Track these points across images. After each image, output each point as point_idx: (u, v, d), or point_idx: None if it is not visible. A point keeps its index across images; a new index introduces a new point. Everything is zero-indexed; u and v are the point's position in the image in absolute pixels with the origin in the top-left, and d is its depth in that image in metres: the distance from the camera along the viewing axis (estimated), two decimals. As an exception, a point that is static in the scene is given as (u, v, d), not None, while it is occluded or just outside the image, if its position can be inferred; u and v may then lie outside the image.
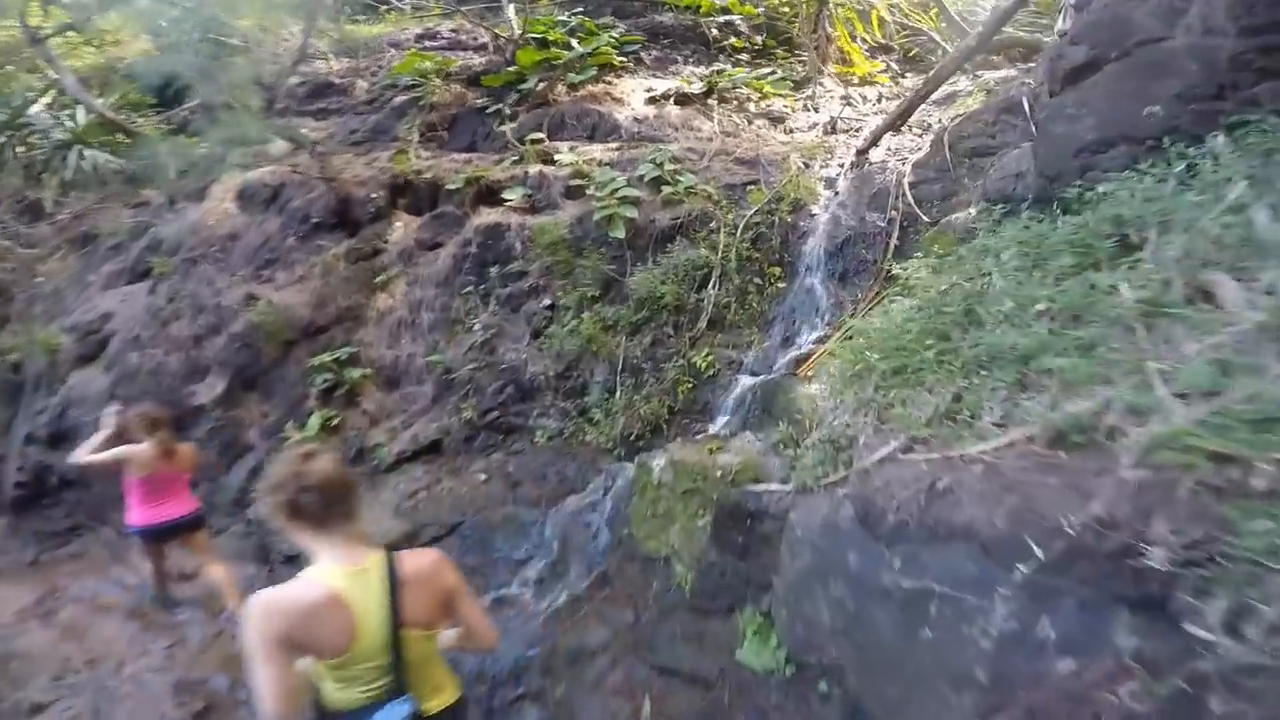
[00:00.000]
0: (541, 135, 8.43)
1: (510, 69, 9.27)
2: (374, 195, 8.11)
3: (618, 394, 6.13)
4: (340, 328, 7.34)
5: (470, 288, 7.20)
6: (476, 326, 6.98)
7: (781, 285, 6.41)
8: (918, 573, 2.56)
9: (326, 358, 7.00)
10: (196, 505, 5.24)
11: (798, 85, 9.04)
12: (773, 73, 9.18)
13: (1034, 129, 5.15)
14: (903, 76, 9.69)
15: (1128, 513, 2.02)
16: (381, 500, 6.52)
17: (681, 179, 7.21)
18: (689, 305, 6.44)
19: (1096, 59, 3.98)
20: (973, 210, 5.22)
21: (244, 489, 7.02)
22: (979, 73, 8.60)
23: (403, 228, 8.08)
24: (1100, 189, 3.46)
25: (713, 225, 6.85)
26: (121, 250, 9.60)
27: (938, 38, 9.97)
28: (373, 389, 7.08)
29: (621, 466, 5.43)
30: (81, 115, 11.05)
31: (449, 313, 7.20)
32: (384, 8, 13.29)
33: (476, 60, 10.22)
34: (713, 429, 5.39)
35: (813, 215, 6.87)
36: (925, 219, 6.06)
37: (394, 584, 1.90)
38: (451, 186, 7.96)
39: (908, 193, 6.39)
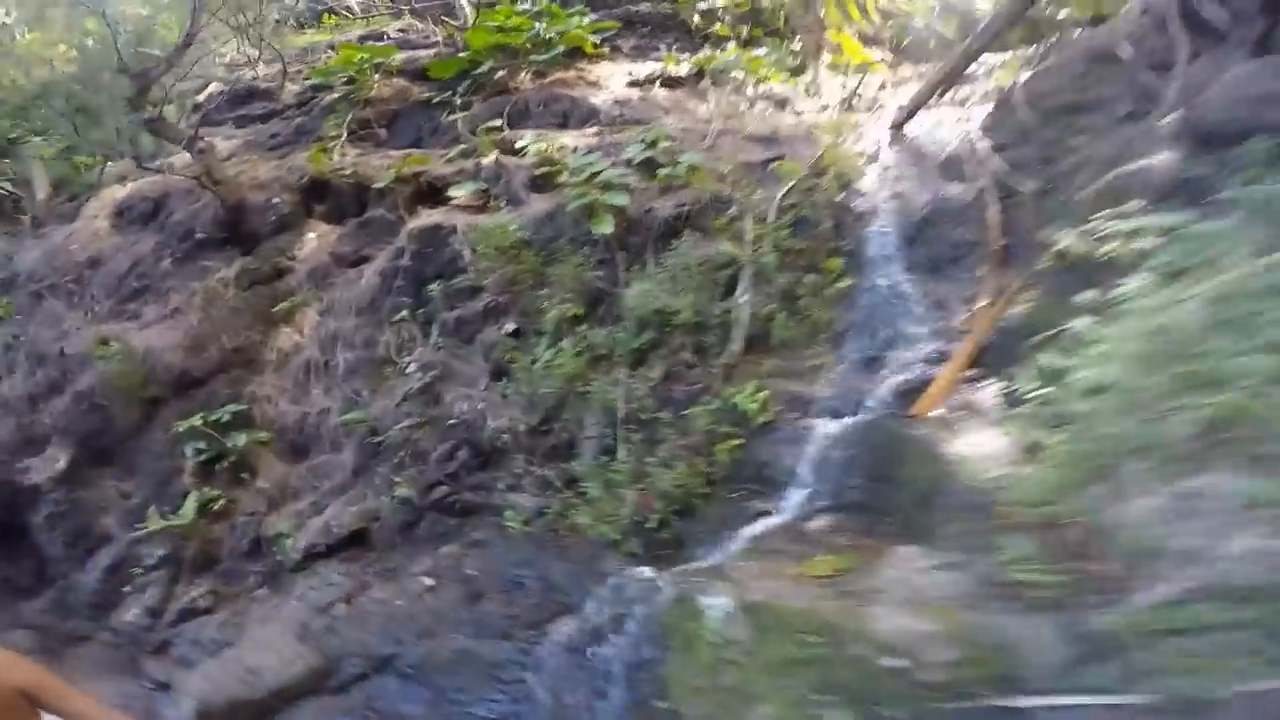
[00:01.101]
0: (500, 123, 6.60)
1: (461, 55, 7.65)
2: (277, 200, 6.18)
3: (621, 455, 4.18)
4: (224, 377, 5.38)
5: (404, 313, 5.31)
6: (413, 367, 5.03)
7: (845, 283, 4.58)
8: None
9: (201, 420, 4.99)
10: None
11: (794, 71, 8.06)
12: (768, 54, 8.08)
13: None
14: (899, 64, 8.86)
15: None
16: (283, 616, 4.51)
17: (682, 159, 5.45)
18: (713, 320, 4.57)
19: None
20: (1167, 155, 3.39)
21: (102, 589, 5.10)
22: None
23: (316, 240, 6.18)
24: None
25: (732, 211, 5.07)
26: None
27: (933, 25, 9.04)
28: (271, 459, 5.09)
29: (640, 577, 3.40)
30: None
31: (375, 350, 5.26)
32: (326, 13, 11.74)
33: (424, 55, 8.68)
34: (783, 510, 3.44)
35: (863, 193, 5.28)
36: (1026, 187, 4.59)
37: None
38: (381, 185, 6.07)
39: (993, 159, 4.94)
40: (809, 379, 4.04)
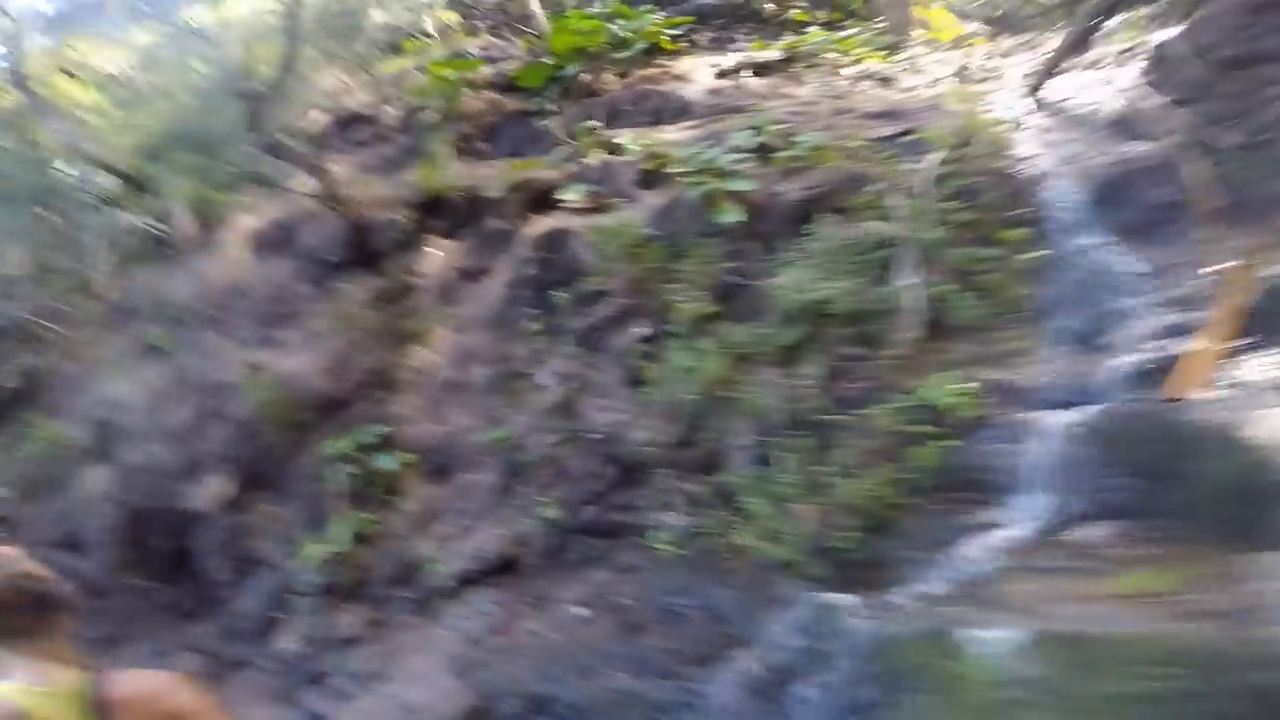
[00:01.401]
0: (595, 125, 6.43)
1: (545, 61, 7.58)
2: (396, 217, 6.14)
3: (783, 465, 3.71)
4: (366, 399, 5.33)
5: (532, 324, 5.06)
6: (547, 379, 4.77)
7: (1032, 255, 3.90)
8: None
9: (347, 443, 4.96)
10: None
11: (888, 49, 7.68)
12: (859, 34, 7.77)
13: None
14: (997, 35, 8.50)
15: None
16: (435, 647, 4.37)
17: (800, 140, 5.02)
18: (875, 307, 4.02)
19: None
20: None
21: (261, 615, 5.13)
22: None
23: (437, 255, 6.05)
24: None
25: (871, 189, 4.59)
26: (141, 322, 8.16)
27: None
28: (416, 481, 4.99)
29: (839, 604, 2.90)
30: (107, 178, 10.20)
31: (509, 364, 5.06)
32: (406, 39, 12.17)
33: (507, 66, 8.74)
34: (1017, 521, 2.87)
35: (1025, 159, 4.67)
36: (1226, 142, 3.99)
37: (102, 708, 1.56)
38: (492, 195, 5.97)
39: (1175, 115, 4.35)
40: (1010, 365, 3.43)
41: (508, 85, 7.95)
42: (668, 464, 4.12)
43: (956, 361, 3.56)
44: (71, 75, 11.18)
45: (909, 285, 3.93)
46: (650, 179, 5.43)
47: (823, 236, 4.42)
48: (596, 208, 5.50)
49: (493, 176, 6.25)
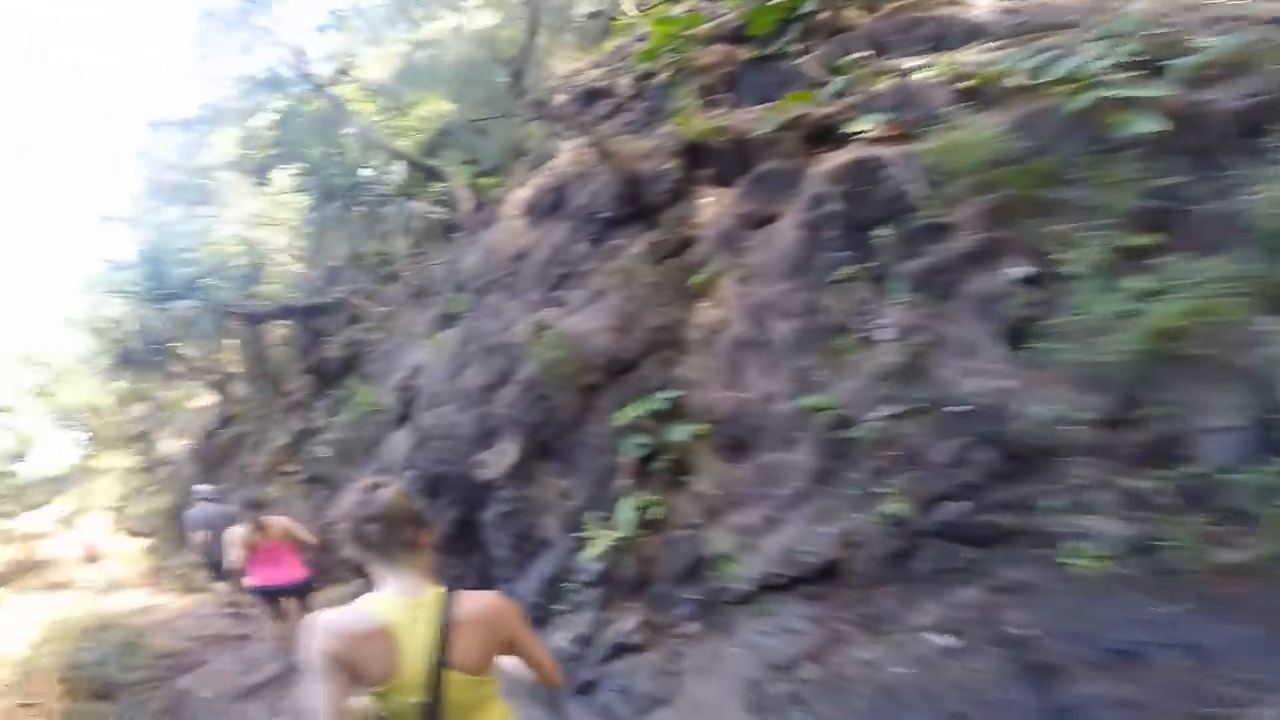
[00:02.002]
0: (867, 54, 5.30)
1: (772, 3, 6.63)
2: (664, 167, 5.60)
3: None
4: (652, 360, 4.68)
5: (845, 269, 4.03)
6: (885, 332, 3.70)
7: None
8: None
9: (638, 409, 4.33)
10: (302, 575, 5.69)
11: None
12: None
13: None
14: None
15: None
16: (725, 667, 3.56)
17: (1205, 45, 3.58)
18: None
19: None
20: None
21: (541, 602, 4.71)
22: None
23: (713, 203, 5.31)
24: None
25: None
26: (438, 296, 8.63)
27: None
28: (709, 457, 4.21)
29: None
30: (399, 171, 11.38)
31: (818, 317, 4.07)
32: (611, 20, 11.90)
33: (727, 19, 7.78)
34: None
35: None
36: None
37: (447, 623, 1.84)
38: (763, 133, 5.21)
39: None
40: None
41: (735, 37, 7.28)
42: (1089, 450, 2.84)
43: None
44: (352, 81, 12.50)
45: None
46: (974, 98, 4.26)
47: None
48: (902, 135, 4.52)
49: (752, 120, 5.49)
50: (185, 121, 14.90)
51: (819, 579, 3.47)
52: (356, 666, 1.78)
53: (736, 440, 4.12)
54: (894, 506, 3.31)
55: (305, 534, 5.67)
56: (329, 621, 1.80)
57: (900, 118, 4.62)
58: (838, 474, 3.56)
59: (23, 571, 15.89)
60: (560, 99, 9.63)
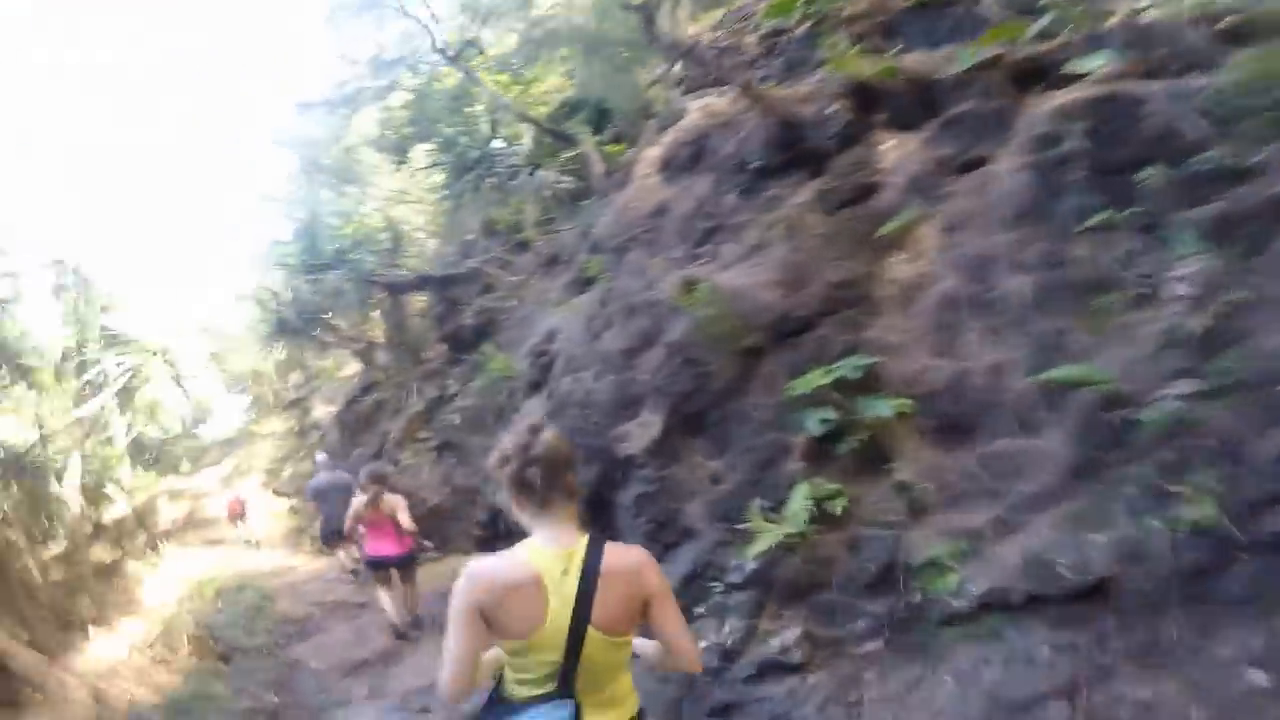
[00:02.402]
0: None
1: None
2: (830, 110, 4.84)
3: None
4: (832, 320, 3.91)
5: (1100, 215, 3.10)
6: (1176, 289, 2.77)
7: None
8: None
9: (820, 377, 3.57)
10: (405, 549, 5.81)
11: None
12: None
13: None
14: None
15: None
16: (930, 704, 2.83)
17: None
18: None
19: None
20: None
21: (682, 608, 3.98)
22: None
23: (896, 147, 4.44)
24: None
25: None
26: (571, 261, 8.24)
27: None
28: (914, 439, 3.39)
29: None
30: (528, 141, 11.33)
31: (1069, 270, 3.16)
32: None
33: None
34: None
35: None
36: None
37: (591, 575, 1.76)
38: (952, 74, 4.54)
39: None
40: None
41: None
42: None
43: None
44: (480, 54, 12.34)
45: None
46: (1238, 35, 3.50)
47: None
48: (1147, 73, 3.79)
49: (935, 62, 4.77)
50: (329, 103, 15.40)
51: (1077, 600, 2.63)
52: (500, 619, 1.73)
53: (952, 420, 3.28)
54: (1196, 510, 2.41)
55: (407, 519, 5.75)
56: (480, 570, 1.76)
57: (1141, 56, 3.88)
58: (1109, 467, 2.67)
59: (186, 527, 17.29)
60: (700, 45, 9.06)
